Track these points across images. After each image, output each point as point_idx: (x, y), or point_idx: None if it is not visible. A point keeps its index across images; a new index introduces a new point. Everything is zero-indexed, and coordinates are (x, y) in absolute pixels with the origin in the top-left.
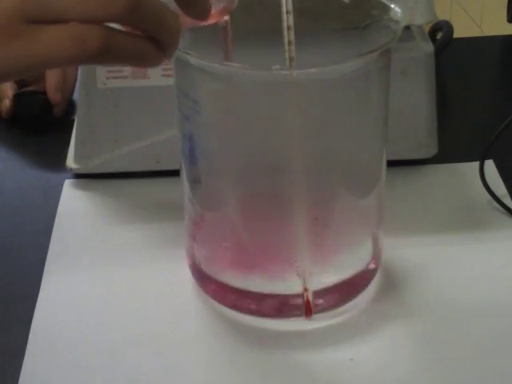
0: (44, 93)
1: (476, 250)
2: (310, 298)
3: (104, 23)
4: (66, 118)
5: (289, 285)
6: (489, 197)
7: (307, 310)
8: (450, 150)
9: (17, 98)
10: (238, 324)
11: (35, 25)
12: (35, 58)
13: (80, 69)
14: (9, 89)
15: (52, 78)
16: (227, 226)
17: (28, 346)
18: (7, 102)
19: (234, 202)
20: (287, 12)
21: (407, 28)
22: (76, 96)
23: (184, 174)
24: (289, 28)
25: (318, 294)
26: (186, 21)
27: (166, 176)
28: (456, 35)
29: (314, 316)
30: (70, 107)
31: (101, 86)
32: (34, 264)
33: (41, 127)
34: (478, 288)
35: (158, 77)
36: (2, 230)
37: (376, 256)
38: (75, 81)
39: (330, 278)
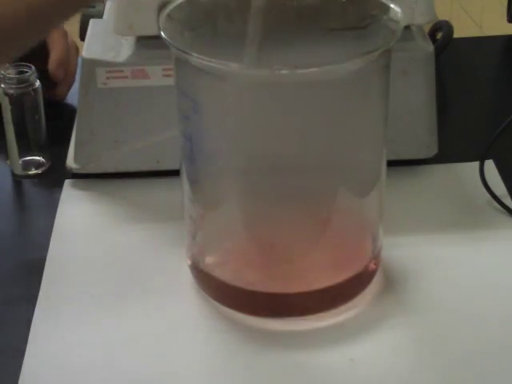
0: (46, 71)
1: (476, 250)
2: (310, 298)
3: None
4: (65, 119)
5: (289, 284)
6: (489, 197)
7: (307, 310)
8: (450, 150)
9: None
10: (238, 324)
11: None
12: None
13: (80, 69)
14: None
15: (55, 54)
16: (227, 225)
17: (28, 346)
18: None
19: (233, 201)
20: None
21: (407, 28)
22: (76, 96)
23: (184, 173)
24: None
25: (318, 293)
26: None
27: (166, 176)
28: (456, 35)
29: (314, 316)
30: (71, 109)
31: (101, 86)
32: (34, 263)
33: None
34: (478, 288)
35: (158, 77)
36: (1, 230)
37: (376, 256)
38: (77, 65)
39: (330, 277)
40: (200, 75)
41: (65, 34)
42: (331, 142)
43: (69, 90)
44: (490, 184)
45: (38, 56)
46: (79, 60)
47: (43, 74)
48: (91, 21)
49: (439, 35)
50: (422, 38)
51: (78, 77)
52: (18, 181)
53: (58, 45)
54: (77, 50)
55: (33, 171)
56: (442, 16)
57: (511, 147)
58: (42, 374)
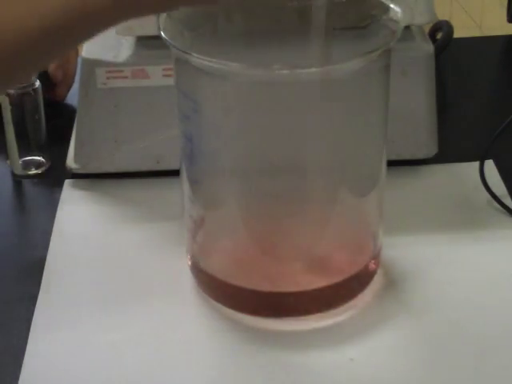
0: (45, 71)
1: (476, 250)
2: (310, 298)
3: None
4: (65, 117)
5: (289, 284)
6: (489, 197)
7: (307, 310)
8: (450, 150)
9: None
10: (238, 324)
11: None
12: None
13: (80, 69)
14: None
15: None
16: (227, 225)
17: (28, 346)
18: None
19: (234, 201)
20: None
21: (407, 28)
22: (76, 96)
23: (184, 173)
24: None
25: (318, 293)
26: None
27: (166, 176)
28: (456, 35)
29: (314, 316)
30: (71, 109)
31: (101, 86)
32: (34, 263)
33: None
34: (478, 288)
35: (158, 77)
36: (2, 230)
37: (376, 256)
38: (76, 66)
39: (330, 277)
40: (200, 75)
41: None
42: (331, 142)
43: (68, 90)
44: (489, 184)
45: None
46: (79, 60)
47: (43, 75)
48: None
49: (439, 35)
50: (422, 37)
51: (77, 77)
52: (18, 181)
53: None
54: (76, 51)
55: (33, 171)
56: (442, 16)
57: (511, 147)
58: (42, 374)
